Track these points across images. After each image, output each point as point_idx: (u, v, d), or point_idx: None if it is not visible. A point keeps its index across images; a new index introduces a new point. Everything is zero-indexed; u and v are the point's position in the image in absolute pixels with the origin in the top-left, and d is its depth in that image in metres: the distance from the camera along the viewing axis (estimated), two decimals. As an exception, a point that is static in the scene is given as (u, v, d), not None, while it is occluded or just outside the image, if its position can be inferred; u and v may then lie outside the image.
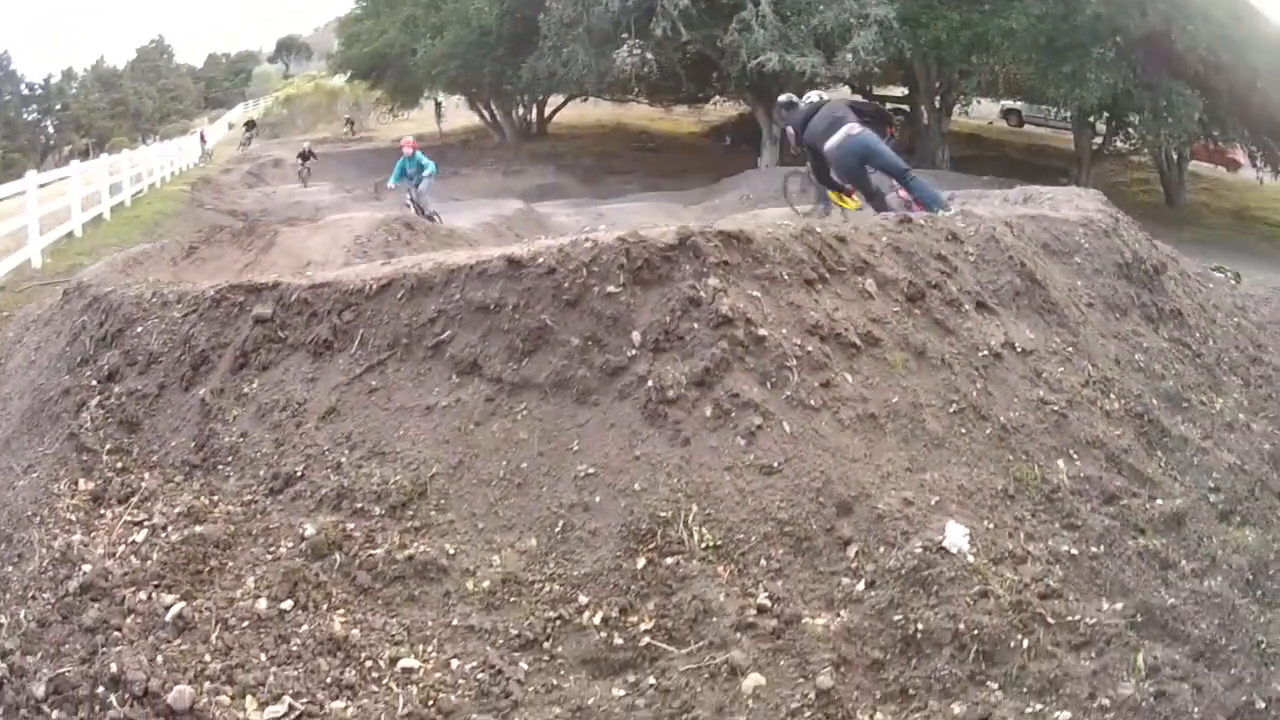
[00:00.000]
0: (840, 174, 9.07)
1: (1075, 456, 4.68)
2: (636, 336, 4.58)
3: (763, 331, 4.52)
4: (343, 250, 11.11)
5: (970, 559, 3.83)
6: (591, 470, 4.24)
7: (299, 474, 4.53)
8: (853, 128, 8.56)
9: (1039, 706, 3.45)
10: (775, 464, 4.17)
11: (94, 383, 5.51)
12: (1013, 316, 5.41)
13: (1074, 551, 4.09)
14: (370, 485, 4.34)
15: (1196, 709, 3.51)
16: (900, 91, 31.48)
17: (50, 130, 67.55)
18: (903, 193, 9.07)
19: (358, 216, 12.49)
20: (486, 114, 36.74)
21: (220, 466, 4.82)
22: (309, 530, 4.22)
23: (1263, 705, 3.60)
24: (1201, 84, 19.92)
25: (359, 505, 4.29)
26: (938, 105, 26.33)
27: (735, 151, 31.46)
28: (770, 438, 4.26)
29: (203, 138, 38.84)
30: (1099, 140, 25.30)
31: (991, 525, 4.10)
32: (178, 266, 9.79)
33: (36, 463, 5.23)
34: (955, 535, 3.90)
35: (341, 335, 5.06)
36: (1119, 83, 20.38)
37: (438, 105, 39.27)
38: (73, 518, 4.67)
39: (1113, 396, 5.25)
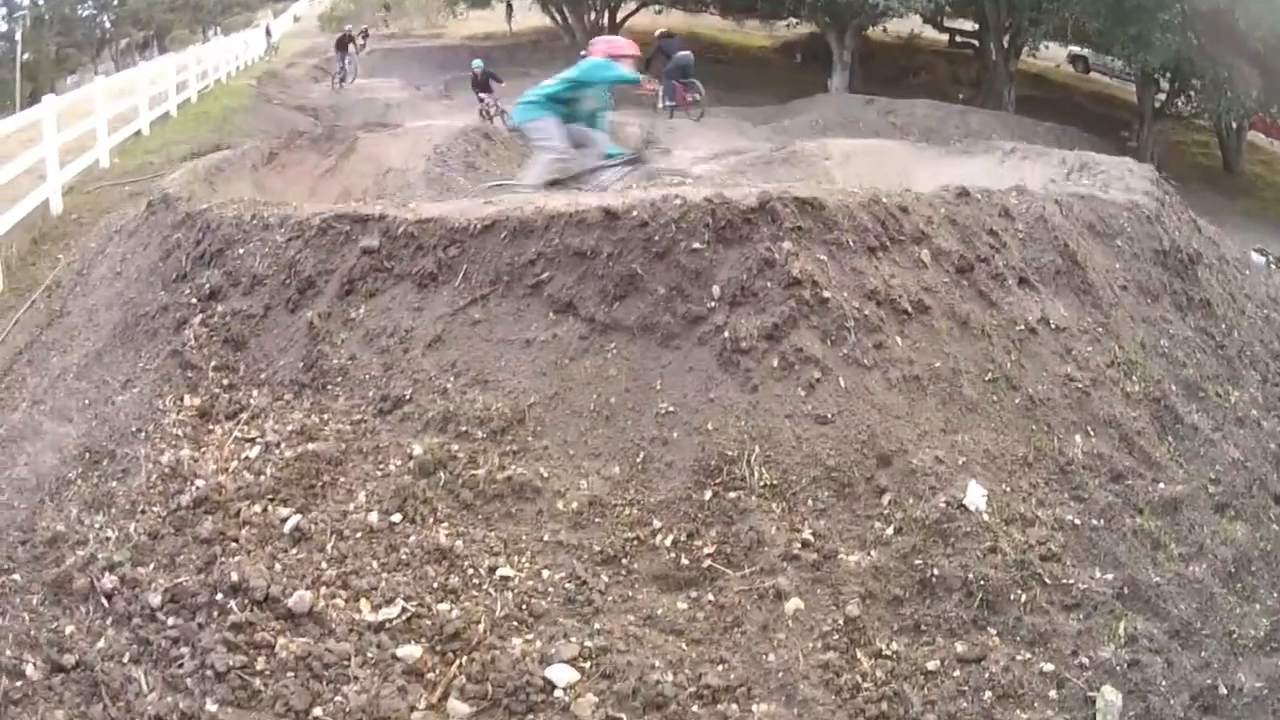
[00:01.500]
0: (678, 74, 19.91)
1: (1092, 433, 5.18)
2: (716, 290, 5.11)
3: (827, 294, 5.03)
4: (422, 159, 11.60)
5: (985, 517, 4.42)
6: (671, 409, 4.81)
7: (407, 397, 5.02)
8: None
9: (1028, 655, 4.03)
10: (829, 415, 4.73)
11: (194, 300, 5.80)
12: (1051, 294, 5.85)
13: (1077, 521, 4.64)
14: (473, 410, 4.87)
15: (1164, 682, 4.04)
16: (970, 26, 31.11)
17: (107, 25, 67.27)
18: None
19: (436, 124, 12.89)
20: (558, 16, 36.58)
21: (329, 387, 5.22)
22: (416, 450, 4.71)
23: (1225, 691, 4.12)
24: (1261, 64, 19.84)
25: (463, 429, 4.82)
26: (1006, 45, 26.10)
27: (805, 69, 31.41)
28: (826, 390, 4.81)
29: (268, 31, 38.95)
30: (1161, 97, 25.03)
31: (1008, 489, 4.66)
32: (259, 173, 10.23)
33: (136, 378, 5.54)
34: (975, 494, 4.49)
35: (446, 269, 5.49)
36: (1182, 49, 20.33)
37: (509, 5, 39.05)
38: (180, 433, 4.99)
39: (1134, 379, 5.69)
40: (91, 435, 5.16)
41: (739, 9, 33.07)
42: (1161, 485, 5.07)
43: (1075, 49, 35.22)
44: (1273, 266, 10.97)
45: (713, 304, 5.09)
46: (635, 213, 5.31)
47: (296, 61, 36.24)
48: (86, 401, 5.59)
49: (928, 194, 6.09)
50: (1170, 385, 5.88)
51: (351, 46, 28.31)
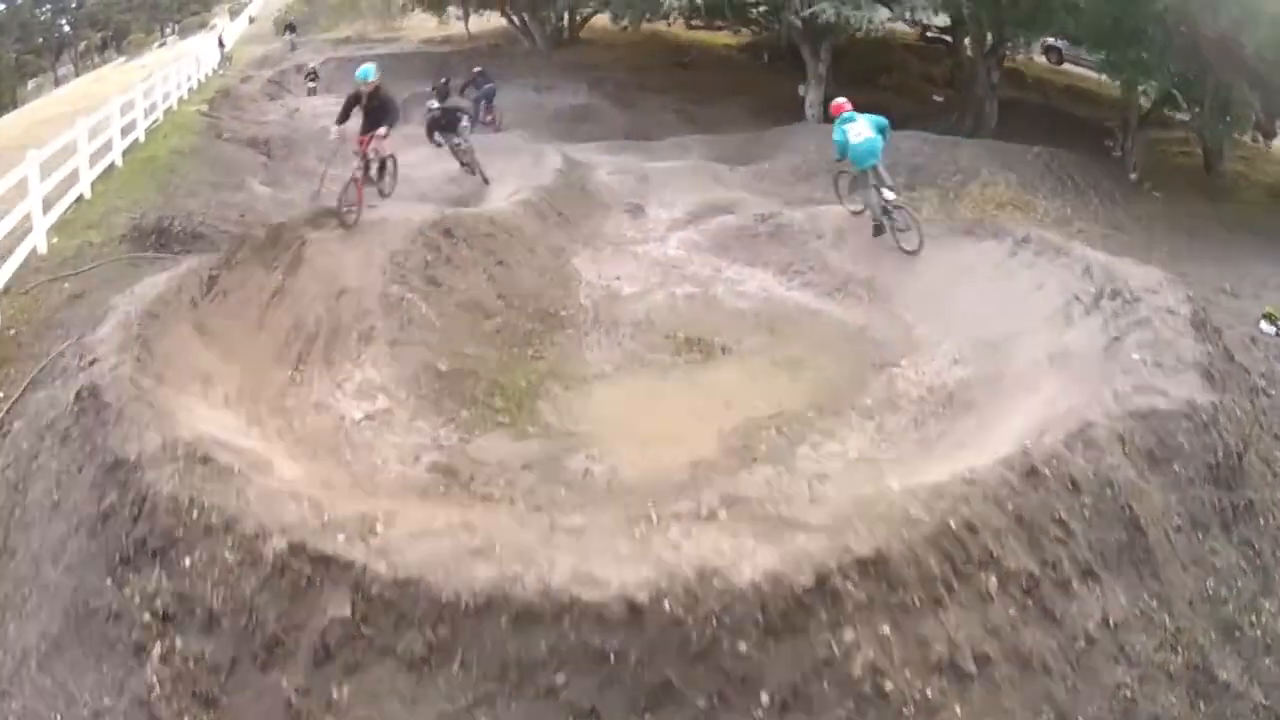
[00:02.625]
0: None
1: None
2: (765, 697, 4.45)
3: (889, 685, 4.46)
4: (379, 273, 10.70)
5: None
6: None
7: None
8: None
9: None
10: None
11: (148, 617, 5.20)
12: (1113, 578, 5.42)
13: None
14: None
15: None
16: (942, 22, 30.17)
17: (66, 29, 65.57)
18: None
19: (391, 220, 11.93)
20: (516, 19, 35.39)
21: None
22: None
23: None
24: (1261, 82, 19.15)
25: None
26: (987, 52, 25.12)
27: (772, 70, 30.43)
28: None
29: (221, 42, 37.51)
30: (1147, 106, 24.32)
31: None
32: (199, 310, 9.40)
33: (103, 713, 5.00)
34: None
35: (439, 652, 4.76)
36: (1183, 74, 19.70)
37: (465, 10, 37.87)
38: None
39: (1179, 651, 5.39)
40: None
41: (705, 24, 32.04)
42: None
43: (1049, 39, 34.45)
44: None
45: (760, 713, 4.42)
46: (666, 604, 4.53)
47: (250, 74, 34.96)
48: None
49: (992, 477, 5.58)
50: (1210, 637, 5.65)
51: (316, 79, 28.33)
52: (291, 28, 39.46)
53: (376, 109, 13.46)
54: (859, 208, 13.17)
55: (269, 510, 5.49)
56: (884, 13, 20.98)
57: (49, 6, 62.88)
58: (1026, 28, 23.13)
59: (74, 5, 63.12)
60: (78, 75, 62.89)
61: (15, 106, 56.56)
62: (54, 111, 33.45)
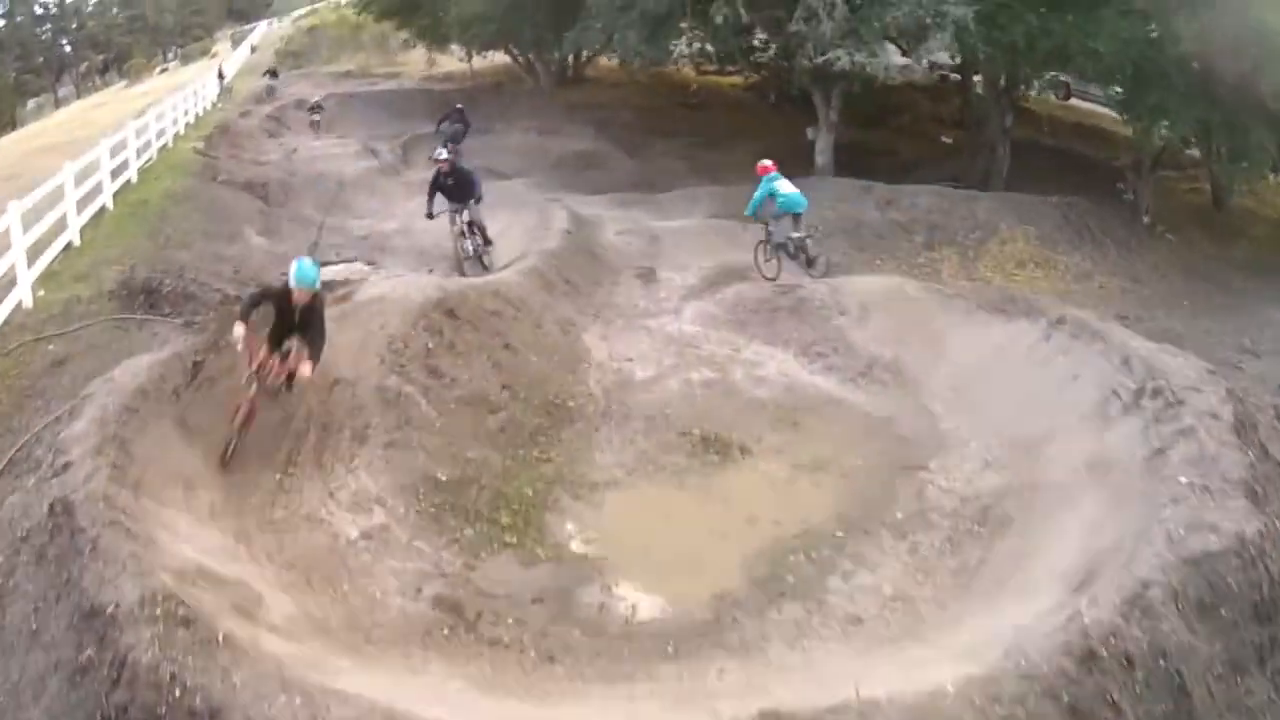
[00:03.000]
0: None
1: None
2: None
3: None
4: (377, 361, 10.07)
5: None
6: None
7: None
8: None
9: None
10: None
11: None
12: None
13: None
14: None
15: None
16: (951, 60, 29.65)
17: (66, 49, 65.29)
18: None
19: (390, 299, 11.30)
20: (521, 58, 34.95)
21: None
22: None
23: None
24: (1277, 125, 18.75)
25: None
26: (999, 96, 24.55)
27: (780, 112, 29.87)
28: None
29: (220, 74, 37.07)
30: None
31: None
32: (181, 403, 8.91)
33: None
34: None
35: None
36: (1203, 119, 19.19)
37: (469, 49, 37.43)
38: None
39: None
40: None
41: (714, 70, 31.55)
42: None
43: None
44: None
45: None
46: None
47: (250, 109, 34.50)
48: None
49: (1049, 667, 5.17)
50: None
51: (320, 112, 28.27)
52: (273, 73, 38.85)
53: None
54: (774, 275, 15.12)
55: (256, 702, 5.04)
56: (898, 59, 20.44)
57: (49, 27, 62.45)
58: (1043, 70, 22.38)
59: (75, 26, 62.66)
60: (79, 97, 62.75)
61: (15, 126, 56.34)
62: (49, 140, 33.00)
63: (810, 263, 15.31)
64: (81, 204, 15.87)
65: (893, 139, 27.05)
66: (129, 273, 13.85)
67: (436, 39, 34.53)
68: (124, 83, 53.97)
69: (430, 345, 10.41)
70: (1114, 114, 25.57)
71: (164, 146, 24.68)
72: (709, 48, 22.38)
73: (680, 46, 22.07)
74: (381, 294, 11.36)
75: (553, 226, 16.55)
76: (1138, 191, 21.82)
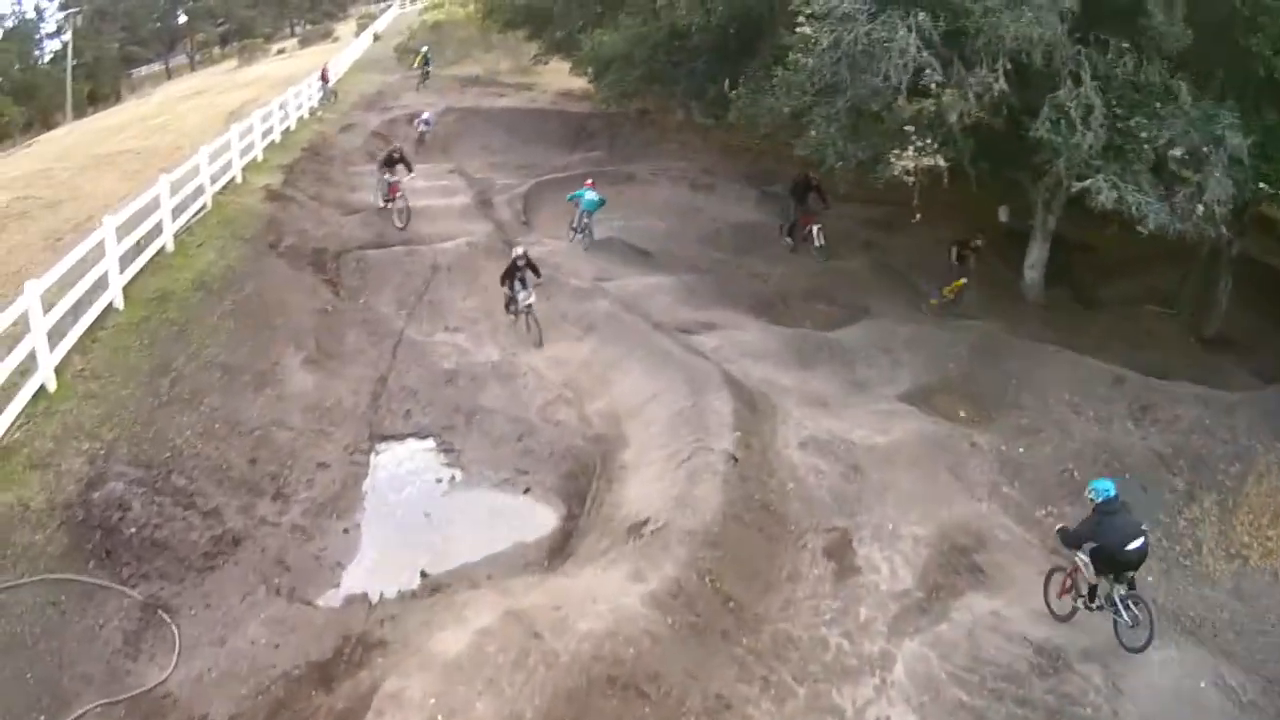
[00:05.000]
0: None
1: None
2: None
3: None
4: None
5: None
6: None
7: None
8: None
9: None
10: None
11: None
12: None
13: None
14: None
15: None
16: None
17: (179, 21, 61.70)
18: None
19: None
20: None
21: None
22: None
23: None
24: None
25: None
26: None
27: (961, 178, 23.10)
28: None
29: (324, 76, 32.05)
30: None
31: None
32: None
33: None
34: None
35: None
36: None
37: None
38: None
39: None
40: None
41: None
42: None
43: None
44: None
45: None
46: None
47: (353, 120, 29.54)
48: None
49: None
50: None
51: (401, 168, 20.46)
52: (426, 59, 34.63)
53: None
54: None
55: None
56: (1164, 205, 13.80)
57: (162, -1, 59.03)
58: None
59: (191, -1, 59.10)
60: (192, 69, 59.30)
61: (118, 99, 53.10)
62: (120, 143, 28.74)
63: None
64: (79, 310, 11.86)
65: (1084, 220, 19.58)
66: (95, 470, 9.75)
67: (572, 56, 28.80)
68: (235, 63, 49.86)
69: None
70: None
71: (230, 183, 19.68)
72: (941, 161, 15.97)
73: (905, 161, 15.81)
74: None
75: (709, 433, 11.31)
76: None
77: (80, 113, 49.65)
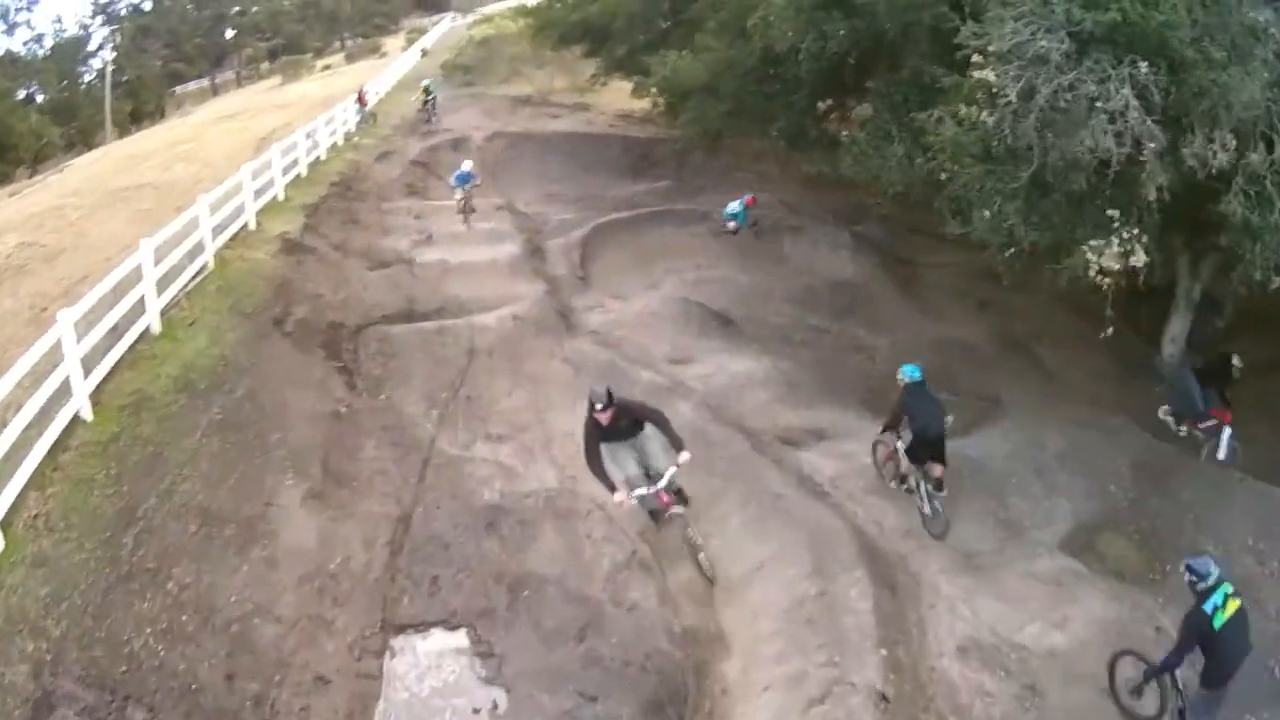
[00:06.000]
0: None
1: None
2: None
3: None
4: None
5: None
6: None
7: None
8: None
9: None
10: None
11: None
12: None
13: None
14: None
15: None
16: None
17: (226, 36, 59.59)
18: None
19: None
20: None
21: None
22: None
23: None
24: None
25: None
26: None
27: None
28: None
29: (361, 99, 29.27)
30: None
31: None
32: None
33: None
34: None
35: None
36: None
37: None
38: None
39: None
40: None
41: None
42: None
43: None
44: None
45: None
46: None
47: (391, 147, 26.67)
48: None
49: None
50: None
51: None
52: (429, 92, 31.00)
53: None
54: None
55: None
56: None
57: (209, 12, 56.84)
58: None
59: (236, 12, 56.85)
60: (239, 85, 57.37)
61: (162, 116, 51.32)
62: (139, 175, 26.17)
63: None
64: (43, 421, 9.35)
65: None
66: (42, 688, 7.22)
67: (637, 77, 25.60)
68: (279, 80, 47.56)
69: None
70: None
71: (241, 229, 16.90)
72: (1142, 256, 12.06)
73: (1105, 257, 11.94)
74: None
75: (846, 649, 8.15)
76: None
77: (123, 131, 48.09)
